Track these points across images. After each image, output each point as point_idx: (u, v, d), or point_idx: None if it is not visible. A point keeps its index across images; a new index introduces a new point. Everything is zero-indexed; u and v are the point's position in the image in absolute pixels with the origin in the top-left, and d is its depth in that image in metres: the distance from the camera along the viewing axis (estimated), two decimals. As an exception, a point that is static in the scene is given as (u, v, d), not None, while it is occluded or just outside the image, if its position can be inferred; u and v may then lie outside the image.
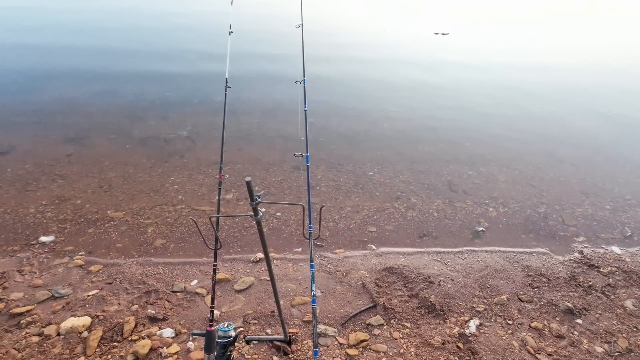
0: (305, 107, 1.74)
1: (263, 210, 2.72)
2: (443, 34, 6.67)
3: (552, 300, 2.15)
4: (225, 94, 1.38)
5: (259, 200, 1.16)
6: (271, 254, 2.34)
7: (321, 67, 5.00)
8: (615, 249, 2.61)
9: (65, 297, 2.02)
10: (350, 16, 7.82)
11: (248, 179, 1.09)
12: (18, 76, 4.76)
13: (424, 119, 4.20)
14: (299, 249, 2.53)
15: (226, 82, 1.39)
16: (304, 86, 1.76)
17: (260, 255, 2.38)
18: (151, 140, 3.59)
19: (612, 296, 2.19)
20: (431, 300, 2.09)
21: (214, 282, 1.46)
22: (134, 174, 3.14)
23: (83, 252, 2.39)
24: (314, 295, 1.38)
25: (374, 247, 2.59)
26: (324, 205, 2.72)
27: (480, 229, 2.80)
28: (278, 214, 2.83)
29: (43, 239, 2.46)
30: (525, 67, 5.67)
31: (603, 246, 2.66)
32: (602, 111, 4.53)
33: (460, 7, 8.99)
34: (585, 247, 2.64)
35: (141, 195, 2.93)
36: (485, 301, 2.13)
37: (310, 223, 1.48)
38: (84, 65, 5.12)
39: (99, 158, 3.31)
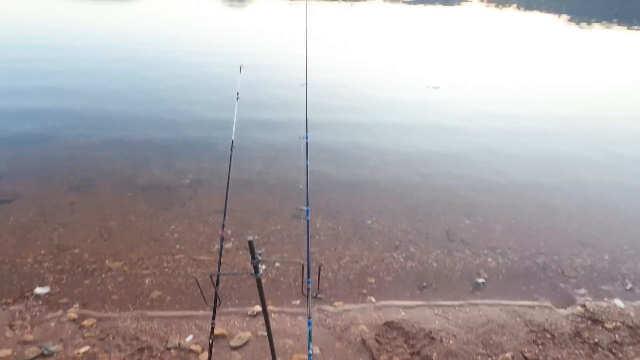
0: (307, 162, 1.83)
1: (263, 267, 2.72)
2: (434, 87, 7.06)
3: (558, 358, 2.09)
4: (231, 154, 1.47)
5: (260, 258, 1.20)
6: (269, 307, 2.30)
7: (321, 116, 5.24)
8: (619, 303, 2.58)
9: (55, 355, 1.96)
10: (348, 67, 8.34)
11: (250, 238, 1.14)
12: (29, 122, 4.95)
13: (420, 165, 4.33)
14: (297, 301, 2.49)
15: (232, 144, 1.49)
16: (307, 142, 1.87)
17: (258, 308, 2.34)
18: (154, 188, 3.66)
19: (620, 354, 2.13)
20: (433, 358, 2.03)
21: (211, 341, 1.44)
22: (135, 222, 3.17)
23: (77, 305, 2.35)
24: (310, 355, 1.36)
25: (373, 299, 2.56)
26: (322, 264, 2.72)
27: (481, 280, 2.78)
28: (277, 264, 2.82)
29: (38, 290, 2.43)
30: (511, 116, 5.95)
31: (605, 299, 2.63)
32: (592, 159, 4.68)
33: (450, 62, 9.59)
34: (588, 300, 2.61)
35: (141, 244, 2.94)
36: (489, 359, 2.06)
37: (309, 278, 1.50)
38: (95, 113, 5.35)
39: (102, 206, 3.36)
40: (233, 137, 1.50)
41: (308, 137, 1.86)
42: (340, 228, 3.27)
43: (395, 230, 3.28)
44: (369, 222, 3.38)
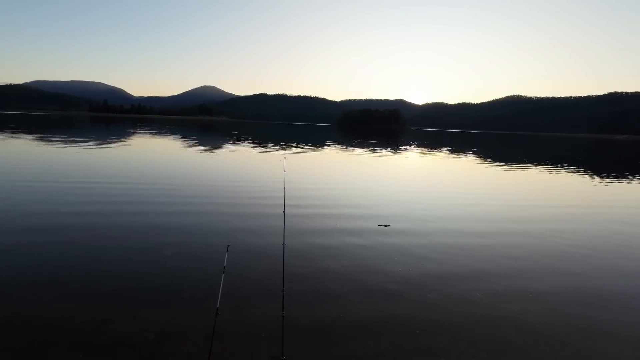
0: (283, 313, 2.09)
1: None
2: (385, 226, 7.92)
3: None
4: (216, 319, 1.72)
5: None
6: None
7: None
8: None
9: None
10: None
11: None
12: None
13: (384, 307, 4.56)
14: None
15: (217, 312, 1.76)
16: (283, 295, 2.17)
17: None
18: (116, 347, 3.50)
19: None
20: None
21: None
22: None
23: None
24: None
25: None
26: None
27: None
28: None
29: None
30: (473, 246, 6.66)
31: None
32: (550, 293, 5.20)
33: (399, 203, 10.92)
34: None
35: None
36: None
37: None
38: (52, 259, 5.29)
39: (54, 373, 3.11)
40: (217, 305, 1.76)
41: (285, 291, 2.16)
42: (310, 381, 3.21)
43: (365, 379, 3.27)
44: (339, 371, 3.36)
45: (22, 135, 30.94)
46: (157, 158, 19.80)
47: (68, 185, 10.93)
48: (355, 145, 39.04)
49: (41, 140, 26.71)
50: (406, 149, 35.20)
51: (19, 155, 18.19)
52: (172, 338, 3.67)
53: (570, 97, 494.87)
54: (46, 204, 8.72)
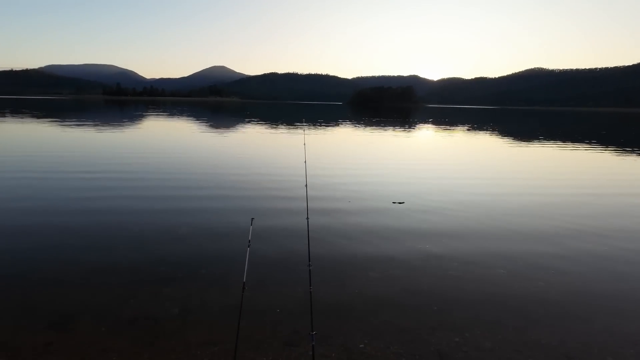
0: (311, 288, 2.03)
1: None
2: (400, 203, 7.78)
3: None
4: (242, 295, 1.66)
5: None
6: None
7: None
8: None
9: None
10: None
11: None
12: (3, 257, 4.90)
13: (405, 283, 4.50)
14: None
15: (243, 286, 1.70)
16: (309, 270, 2.11)
17: None
18: (139, 321, 3.56)
19: None
20: None
21: None
22: (117, 363, 2.99)
23: None
24: None
25: None
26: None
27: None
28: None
29: None
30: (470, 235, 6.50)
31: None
32: (571, 269, 5.05)
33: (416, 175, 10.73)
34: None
35: (123, 388, 2.74)
36: None
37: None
38: (76, 240, 5.41)
39: (82, 345, 3.19)
40: (244, 279, 1.71)
41: (311, 265, 2.09)
42: (333, 354, 3.21)
43: (389, 353, 3.25)
44: (361, 345, 3.35)
45: (50, 121, 31.55)
46: (180, 139, 19.91)
47: (89, 169, 11.11)
48: (366, 124, 38.37)
49: (65, 125, 27.18)
50: (412, 129, 34.33)
51: (39, 140, 18.59)
52: (197, 312, 3.70)
53: (596, 68, 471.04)
54: (62, 189, 8.88)
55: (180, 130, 26.27)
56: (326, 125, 33.47)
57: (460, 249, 5.54)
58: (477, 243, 5.82)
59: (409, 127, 34.73)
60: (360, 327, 3.62)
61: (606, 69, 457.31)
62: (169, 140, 19.18)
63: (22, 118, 32.90)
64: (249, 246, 1.80)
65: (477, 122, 48.61)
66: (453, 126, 38.27)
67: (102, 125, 26.69)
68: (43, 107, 58.73)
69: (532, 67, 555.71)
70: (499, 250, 5.58)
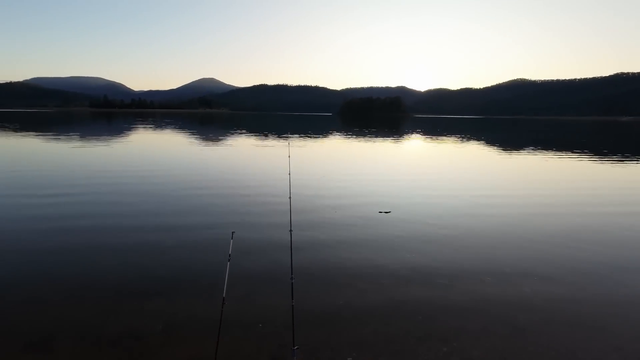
0: (292, 302, 2.02)
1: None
2: (386, 212, 7.82)
3: None
4: (222, 309, 1.64)
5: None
6: None
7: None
8: None
9: None
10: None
11: None
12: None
13: (393, 293, 4.49)
14: None
15: (223, 301, 1.68)
16: (292, 282, 2.10)
17: None
18: (123, 339, 3.46)
19: None
20: None
21: None
22: (97, 383, 2.89)
23: None
24: None
25: None
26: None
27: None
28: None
29: None
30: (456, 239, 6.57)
31: None
32: (552, 276, 5.12)
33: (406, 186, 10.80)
34: None
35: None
36: None
37: None
38: (55, 256, 5.26)
39: (61, 366, 3.08)
40: (224, 294, 1.69)
41: (294, 279, 2.09)
42: (320, 369, 3.17)
43: (377, 366, 3.22)
44: (349, 358, 3.32)
45: (26, 133, 30.94)
46: (164, 152, 19.72)
47: (71, 182, 10.89)
48: (355, 135, 38.76)
49: (45, 138, 26.69)
50: (399, 139, 34.84)
51: (14, 151, 18.19)
52: (180, 328, 3.62)
53: (575, 79, 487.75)
54: (36, 207, 8.68)
55: (165, 142, 26.05)
56: (315, 137, 33.65)
57: (446, 258, 5.57)
58: (464, 252, 5.87)
59: (399, 137, 35.16)
60: (348, 339, 3.58)
61: (586, 79, 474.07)
62: (152, 154, 18.98)
63: (2, 131, 32.19)
64: (229, 260, 1.78)
65: (465, 132, 49.52)
66: (442, 136, 38.90)
67: (86, 138, 26.29)
68: (25, 120, 57.61)
69: (516, 78, 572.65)
70: (485, 258, 5.63)
